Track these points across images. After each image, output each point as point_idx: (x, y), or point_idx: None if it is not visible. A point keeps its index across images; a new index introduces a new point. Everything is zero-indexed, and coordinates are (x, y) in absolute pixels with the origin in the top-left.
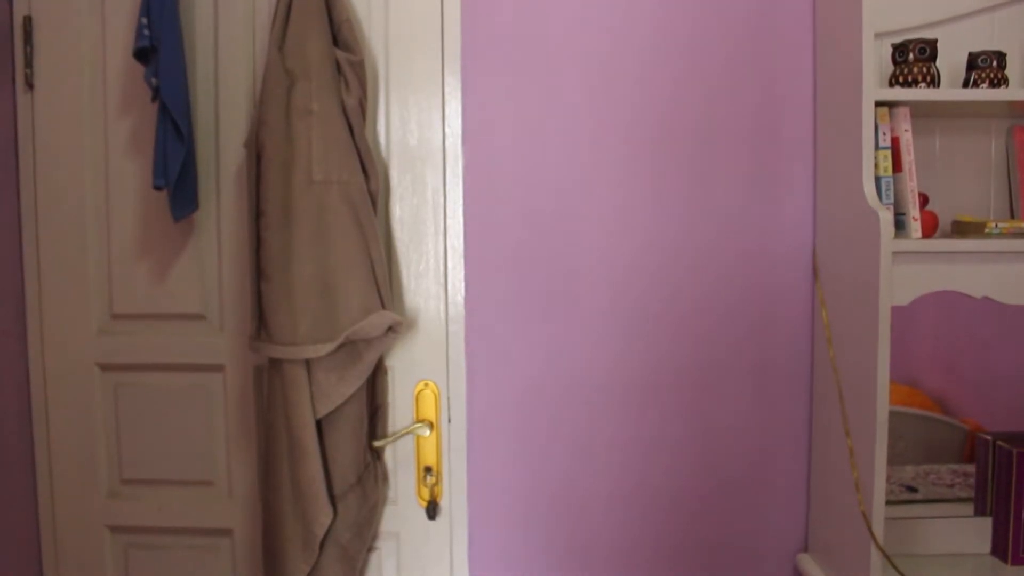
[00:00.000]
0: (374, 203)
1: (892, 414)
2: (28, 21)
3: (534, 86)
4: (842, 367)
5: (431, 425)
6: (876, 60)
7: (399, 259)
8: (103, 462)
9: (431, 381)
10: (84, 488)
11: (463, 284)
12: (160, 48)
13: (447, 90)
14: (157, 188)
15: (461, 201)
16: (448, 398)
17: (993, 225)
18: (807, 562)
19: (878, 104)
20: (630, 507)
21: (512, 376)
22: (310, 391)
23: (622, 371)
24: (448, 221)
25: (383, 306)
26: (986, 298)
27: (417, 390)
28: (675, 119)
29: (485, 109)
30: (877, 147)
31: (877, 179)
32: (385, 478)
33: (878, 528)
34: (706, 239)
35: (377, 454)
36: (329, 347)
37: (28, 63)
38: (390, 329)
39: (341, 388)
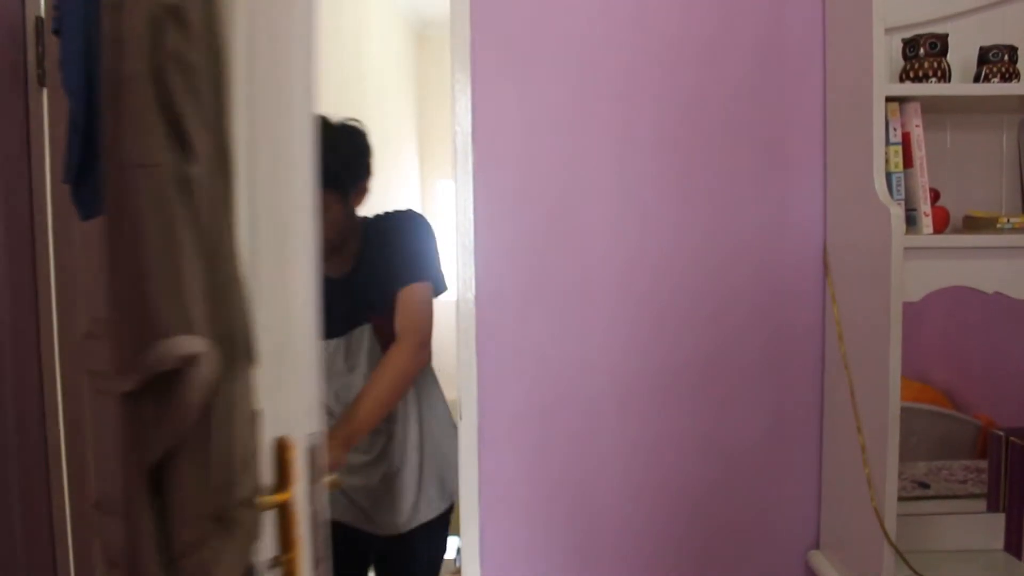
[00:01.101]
0: (195, 189)
1: (904, 410)
2: (40, 21)
3: (540, 85)
4: (853, 363)
5: (284, 490)
6: (886, 55)
7: (263, 262)
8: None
9: (287, 435)
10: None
11: (474, 282)
12: (61, 28)
13: (457, 87)
14: (65, 183)
15: (471, 198)
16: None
17: (1005, 220)
18: (819, 558)
19: (889, 99)
20: (641, 503)
21: (517, 375)
22: (134, 433)
23: (631, 369)
24: (459, 217)
25: (190, 327)
26: (998, 293)
27: (276, 443)
28: (683, 118)
29: (491, 108)
30: (888, 143)
31: (888, 175)
32: (237, 546)
33: (890, 524)
34: (715, 236)
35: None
36: (131, 381)
37: (40, 62)
38: (193, 361)
39: (160, 435)
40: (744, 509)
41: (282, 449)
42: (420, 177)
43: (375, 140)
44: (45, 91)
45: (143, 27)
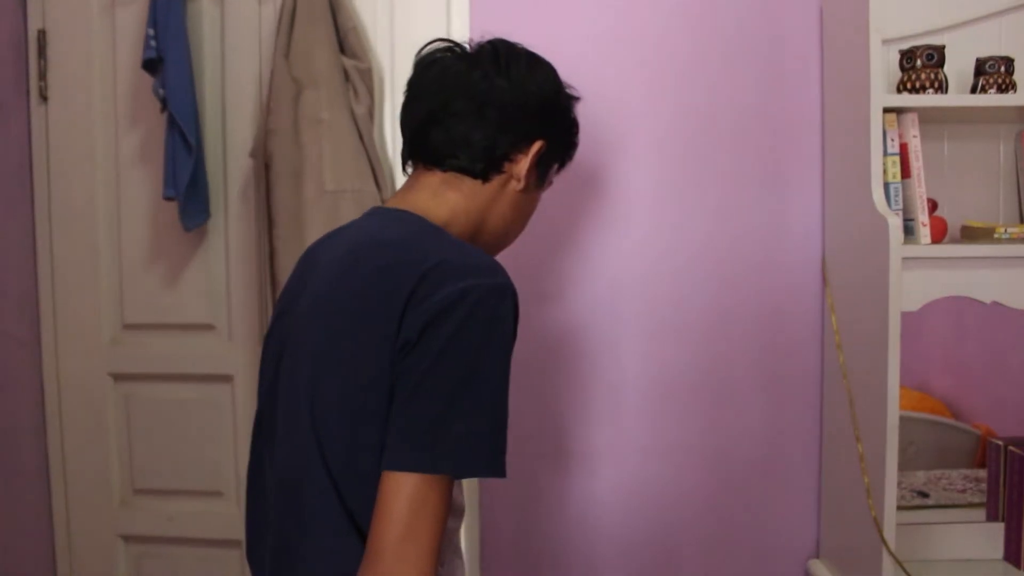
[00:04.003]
0: None
1: (903, 419)
2: (42, 34)
3: None
4: (852, 373)
5: None
6: (884, 66)
7: None
8: (115, 472)
9: None
10: (97, 497)
11: None
12: (166, 59)
13: None
14: (167, 199)
15: None
16: None
17: (1002, 230)
18: (818, 567)
19: (886, 110)
20: (640, 513)
21: (515, 386)
22: None
23: (633, 378)
24: None
25: None
26: (995, 303)
27: None
28: (681, 127)
29: None
30: (885, 153)
31: (886, 185)
32: None
33: (889, 534)
34: (715, 246)
35: None
36: None
37: (42, 75)
38: None
39: None
40: (744, 518)
41: None
42: None
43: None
44: (47, 105)
45: (336, 78)
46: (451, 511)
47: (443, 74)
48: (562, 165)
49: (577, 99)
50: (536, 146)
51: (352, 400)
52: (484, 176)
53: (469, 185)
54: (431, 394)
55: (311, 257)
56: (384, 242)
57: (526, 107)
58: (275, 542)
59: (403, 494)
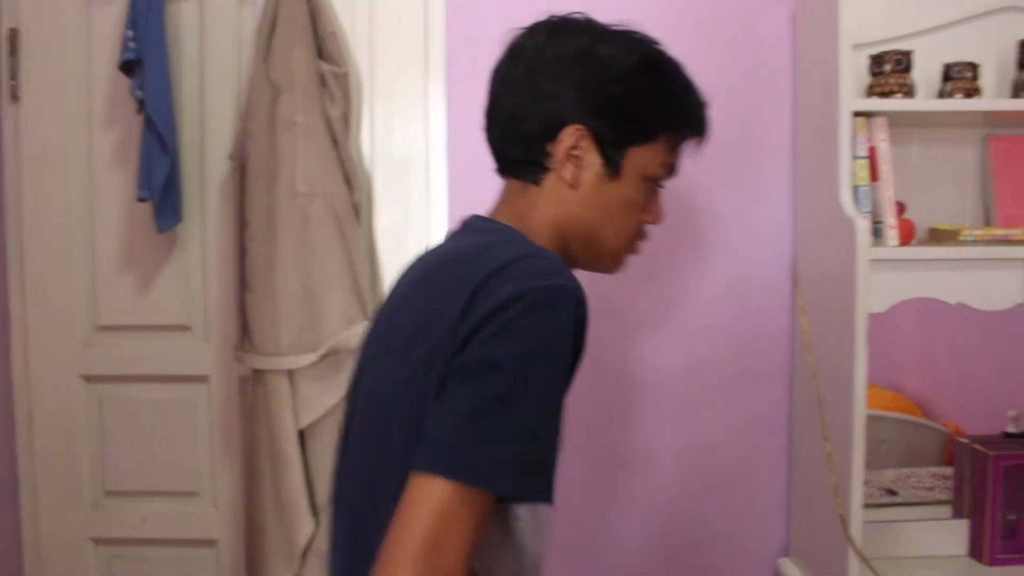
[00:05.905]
0: (358, 214)
1: (874, 418)
2: (14, 33)
3: None
4: (821, 373)
5: None
6: (853, 71)
7: (382, 269)
8: (87, 474)
9: None
10: (67, 500)
11: None
12: (145, 61)
13: (431, 101)
14: (141, 200)
15: (446, 211)
16: None
17: (967, 233)
18: (788, 566)
19: (856, 114)
20: (611, 513)
21: None
22: (292, 401)
23: (601, 378)
24: (433, 231)
25: (365, 316)
26: (961, 304)
27: None
28: None
29: (469, 120)
30: (855, 156)
31: (855, 188)
32: None
33: (856, 531)
34: (686, 247)
35: None
36: (312, 357)
37: (13, 75)
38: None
39: (324, 398)
40: (714, 517)
41: None
42: None
43: None
44: (18, 105)
45: (313, 82)
46: (516, 553)
47: (496, 78)
48: (675, 143)
49: (653, 65)
50: (570, 131)
51: (412, 425)
52: (534, 179)
53: (532, 192)
54: (469, 395)
55: (401, 276)
56: (453, 257)
57: (556, 93)
58: (339, 558)
59: (425, 500)
